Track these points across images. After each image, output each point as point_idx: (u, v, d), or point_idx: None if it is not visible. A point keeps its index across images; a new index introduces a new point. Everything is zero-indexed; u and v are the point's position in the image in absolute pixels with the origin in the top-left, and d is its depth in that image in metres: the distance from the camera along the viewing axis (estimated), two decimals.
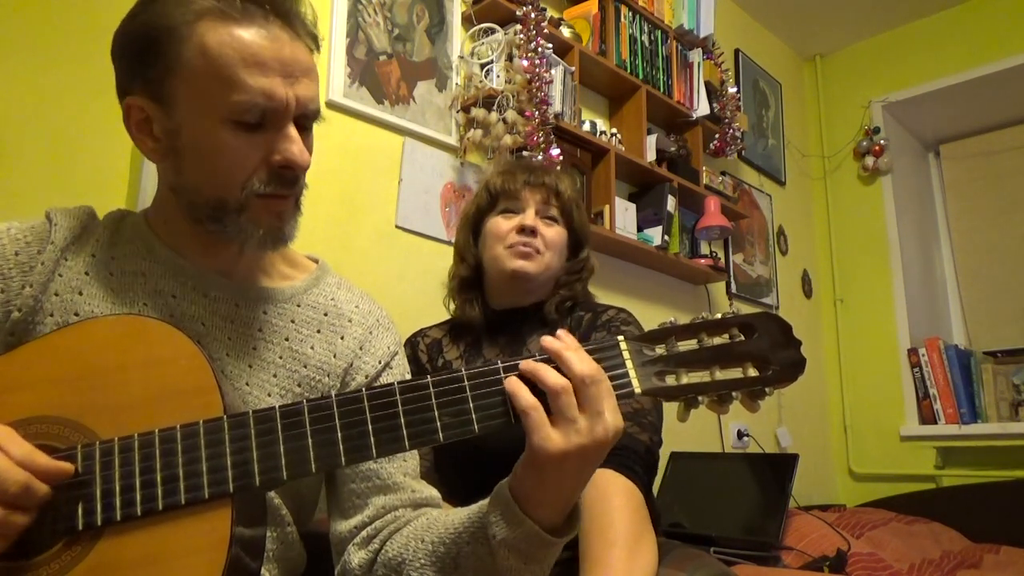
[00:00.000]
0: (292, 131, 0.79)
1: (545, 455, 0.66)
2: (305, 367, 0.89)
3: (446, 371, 0.70)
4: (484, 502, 0.76)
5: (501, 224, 1.35)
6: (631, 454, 1.14)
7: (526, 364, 0.68)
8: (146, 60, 0.78)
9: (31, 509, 0.63)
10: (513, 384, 0.68)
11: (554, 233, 1.35)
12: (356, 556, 0.86)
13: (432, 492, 0.93)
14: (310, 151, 0.85)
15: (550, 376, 0.67)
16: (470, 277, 1.41)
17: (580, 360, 0.67)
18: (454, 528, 0.78)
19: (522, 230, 1.32)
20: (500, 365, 0.70)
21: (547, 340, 0.69)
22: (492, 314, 1.39)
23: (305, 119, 0.82)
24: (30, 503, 0.63)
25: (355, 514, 0.88)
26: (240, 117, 0.76)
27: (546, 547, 0.71)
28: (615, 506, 1.08)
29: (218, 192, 0.79)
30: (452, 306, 1.45)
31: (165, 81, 0.77)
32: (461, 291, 1.42)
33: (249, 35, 0.76)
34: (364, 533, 0.87)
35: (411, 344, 1.44)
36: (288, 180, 0.81)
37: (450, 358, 1.39)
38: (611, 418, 0.67)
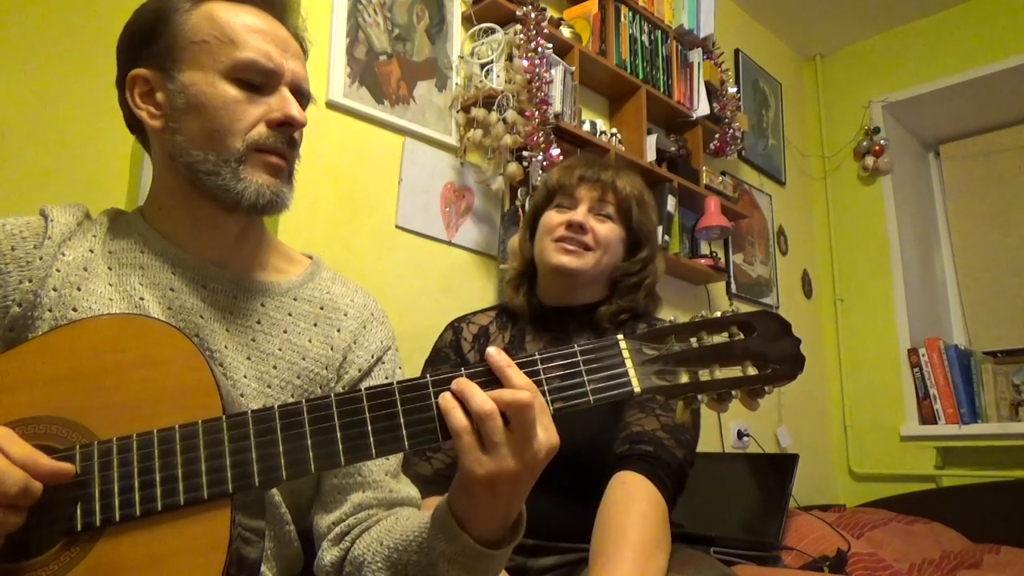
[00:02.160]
0: (288, 94, 0.84)
1: (474, 478, 0.67)
2: (304, 359, 0.90)
3: (444, 371, 0.70)
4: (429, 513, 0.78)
5: (553, 217, 1.34)
6: (664, 465, 1.12)
7: (457, 383, 0.68)
8: (154, 36, 0.83)
9: (26, 509, 0.63)
10: (447, 403, 0.67)
11: (607, 230, 1.32)
12: (328, 554, 0.87)
13: (411, 492, 0.94)
14: (302, 134, 0.89)
15: (475, 399, 0.66)
16: (523, 270, 1.41)
17: (517, 376, 0.68)
18: (406, 537, 0.80)
19: (570, 225, 1.31)
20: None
21: (492, 353, 0.69)
22: (541, 308, 1.37)
23: (299, 96, 0.86)
24: (28, 503, 0.63)
25: (334, 509, 0.89)
26: (242, 75, 0.81)
27: (486, 559, 0.72)
28: (638, 511, 1.06)
29: (219, 144, 0.81)
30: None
31: (172, 48, 0.82)
32: (512, 281, 1.41)
33: (250, 14, 0.85)
34: (338, 530, 0.88)
35: (454, 329, 1.41)
36: (287, 138, 0.84)
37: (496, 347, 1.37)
38: (543, 436, 0.68)
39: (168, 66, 0.82)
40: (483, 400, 0.66)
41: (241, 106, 0.81)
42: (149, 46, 0.83)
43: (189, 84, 0.81)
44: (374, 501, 0.89)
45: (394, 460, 0.94)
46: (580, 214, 1.32)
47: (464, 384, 0.68)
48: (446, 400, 0.68)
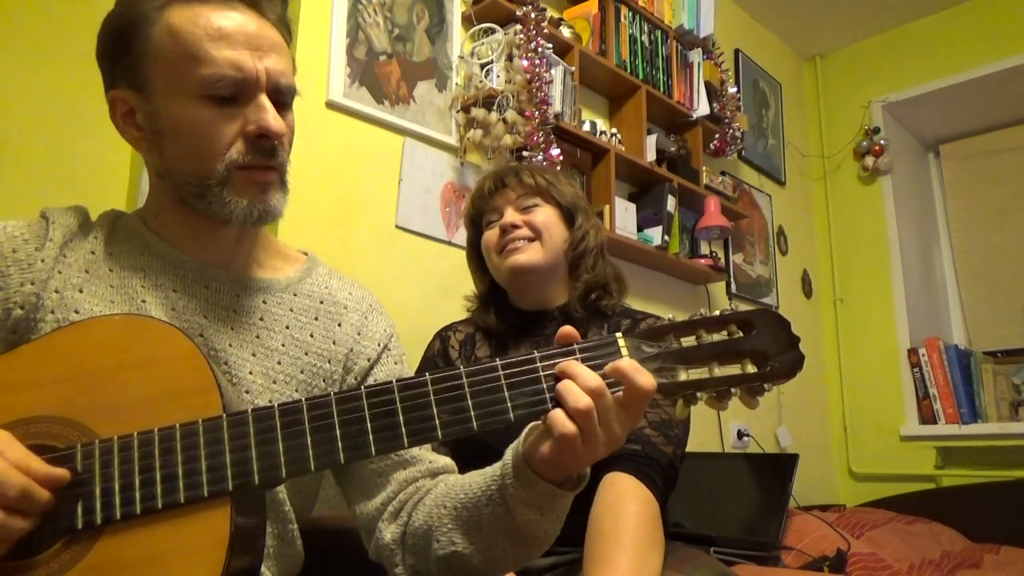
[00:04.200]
0: (265, 101, 0.81)
1: (576, 467, 0.72)
2: (307, 354, 0.91)
3: (445, 369, 0.70)
4: (497, 466, 0.80)
5: (489, 236, 1.37)
6: (653, 464, 1.13)
7: (562, 386, 0.68)
8: (122, 51, 0.81)
9: (32, 515, 0.63)
10: (555, 414, 0.68)
11: (541, 216, 1.34)
12: (388, 531, 0.88)
13: (447, 460, 0.96)
14: (291, 130, 0.87)
15: (582, 400, 0.67)
16: (485, 293, 1.44)
17: (591, 375, 0.68)
18: (473, 493, 0.81)
19: (504, 231, 1.33)
20: (499, 363, 0.70)
21: (569, 365, 0.70)
22: (519, 314, 1.39)
23: (279, 94, 0.83)
24: (30, 508, 0.63)
25: (379, 492, 0.90)
26: (211, 91, 0.78)
27: (561, 499, 0.76)
28: (631, 511, 1.07)
29: (199, 168, 0.80)
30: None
31: (140, 67, 0.80)
32: (478, 308, 1.44)
33: (214, 14, 0.80)
34: (391, 508, 0.89)
35: (442, 338, 1.43)
36: (266, 150, 0.82)
37: (481, 355, 1.38)
38: (620, 430, 0.70)
39: (141, 86, 0.81)
40: (583, 398, 0.66)
41: (215, 126, 0.79)
42: (121, 62, 0.82)
43: (162, 108, 0.80)
44: (419, 474, 0.91)
45: None
46: (508, 216, 1.34)
47: (564, 387, 0.68)
48: (556, 412, 0.68)
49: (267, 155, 0.82)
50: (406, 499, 0.89)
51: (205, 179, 0.80)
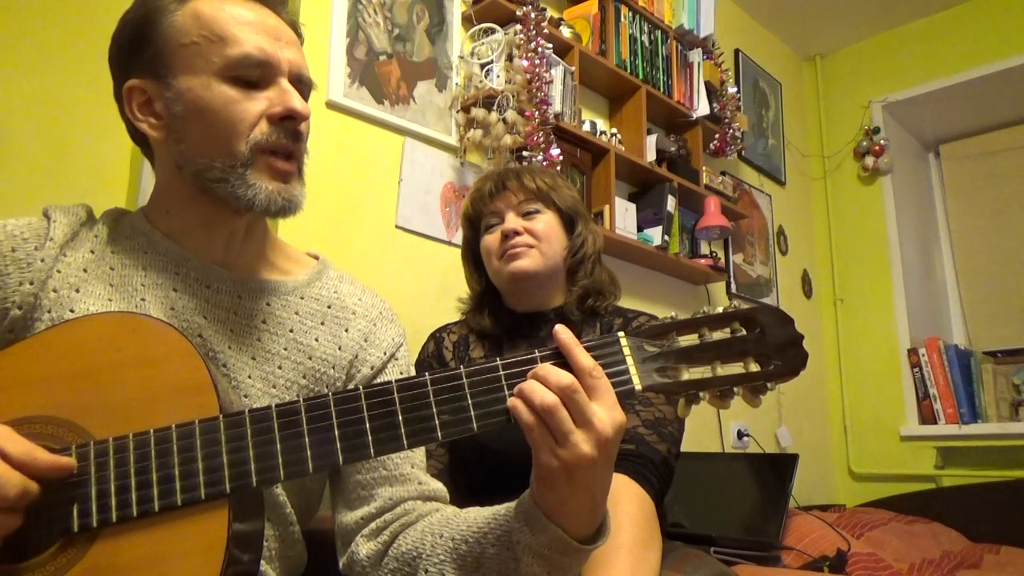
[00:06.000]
0: (288, 85, 0.82)
1: (551, 471, 0.66)
2: (310, 359, 0.89)
3: (444, 369, 0.70)
4: (510, 505, 0.76)
5: (490, 241, 1.36)
6: (647, 463, 1.13)
7: (522, 386, 0.67)
8: (143, 43, 0.81)
9: (23, 510, 0.62)
10: (513, 402, 0.67)
11: (542, 223, 1.34)
12: (364, 547, 0.85)
13: (438, 486, 0.93)
14: (308, 125, 0.87)
15: (537, 395, 0.65)
16: (480, 295, 1.42)
17: (583, 357, 0.67)
18: (477, 528, 0.78)
19: (505, 236, 1.33)
20: (499, 363, 0.69)
21: (559, 330, 0.69)
22: (513, 316, 1.38)
23: (300, 84, 0.84)
24: (25, 504, 0.62)
25: (361, 505, 0.88)
26: (237, 72, 0.79)
27: (571, 554, 0.70)
28: (626, 512, 1.06)
29: (223, 149, 0.80)
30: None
31: (162, 54, 0.80)
32: (472, 310, 1.43)
33: (237, 6, 0.82)
34: (373, 525, 0.86)
35: (436, 340, 1.43)
36: (291, 133, 0.82)
37: (475, 356, 1.38)
38: (607, 416, 0.66)
39: (162, 73, 0.80)
40: (544, 394, 0.65)
41: (240, 105, 0.79)
42: (140, 54, 0.81)
43: (185, 90, 0.79)
44: (407, 495, 0.88)
45: (419, 454, 0.93)
46: (509, 222, 1.34)
47: (526, 386, 0.66)
48: (512, 400, 0.67)
49: (292, 138, 0.82)
50: (392, 519, 0.86)
51: (229, 160, 0.80)
